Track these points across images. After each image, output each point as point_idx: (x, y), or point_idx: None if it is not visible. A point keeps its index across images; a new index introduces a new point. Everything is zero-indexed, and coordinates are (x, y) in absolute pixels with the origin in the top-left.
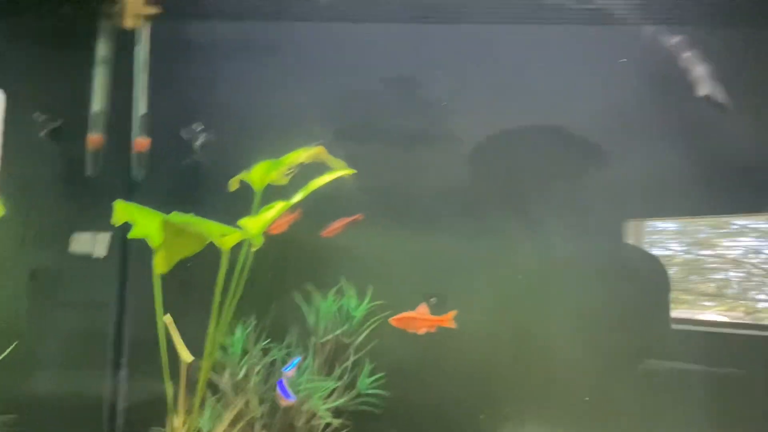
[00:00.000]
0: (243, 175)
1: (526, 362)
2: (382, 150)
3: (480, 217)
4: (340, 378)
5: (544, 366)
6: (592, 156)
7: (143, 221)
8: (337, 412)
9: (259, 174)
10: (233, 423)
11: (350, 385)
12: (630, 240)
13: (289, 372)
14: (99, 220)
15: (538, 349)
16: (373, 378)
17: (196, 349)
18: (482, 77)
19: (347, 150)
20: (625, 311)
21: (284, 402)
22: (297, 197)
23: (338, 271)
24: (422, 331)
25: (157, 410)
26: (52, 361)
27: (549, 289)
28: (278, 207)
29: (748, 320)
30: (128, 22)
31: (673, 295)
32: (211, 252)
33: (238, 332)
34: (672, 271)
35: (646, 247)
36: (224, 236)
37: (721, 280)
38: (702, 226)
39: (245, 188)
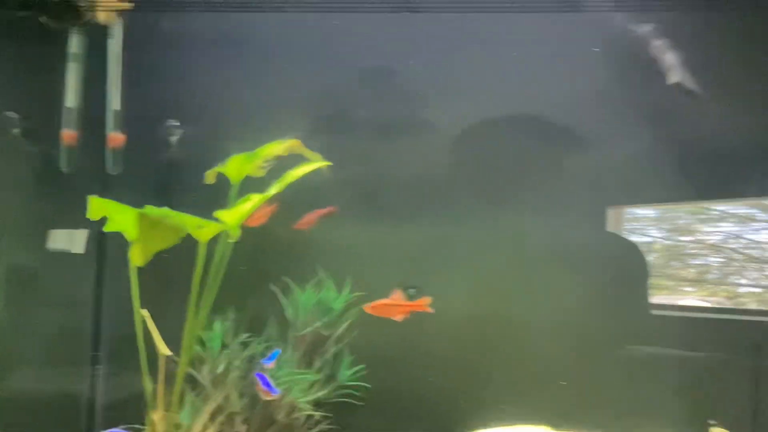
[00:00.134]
0: (219, 168)
1: (506, 350)
2: (357, 141)
3: (456, 206)
4: (320, 370)
5: (523, 353)
6: (569, 144)
7: (118, 216)
8: (317, 405)
9: (235, 167)
10: (213, 417)
11: (330, 378)
12: (608, 226)
13: (269, 364)
14: (75, 216)
15: (518, 337)
16: (353, 370)
17: (176, 343)
18: (457, 67)
19: (323, 142)
20: (604, 297)
21: (268, 396)
22: (273, 190)
23: (316, 264)
24: (399, 317)
25: (136, 406)
26: (30, 358)
27: (527, 277)
28: (255, 199)
29: (728, 305)
30: (101, 17)
31: (652, 280)
32: (190, 246)
33: (217, 326)
34: (652, 257)
35: (625, 234)
36: (201, 228)
37: (701, 265)
38: (682, 212)
39: (222, 183)
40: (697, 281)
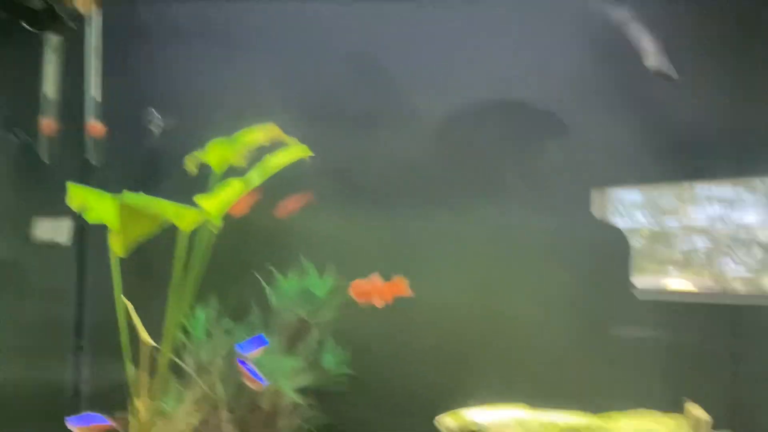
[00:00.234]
0: (199, 155)
1: (490, 335)
2: (339, 130)
3: (439, 193)
4: (304, 357)
5: (507, 337)
6: (552, 129)
7: (97, 204)
8: (302, 392)
9: (215, 154)
10: (197, 404)
11: (315, 364)
12: (592, 211)
13: (246, 351)
14: (56, 206)
15: (501, 321)
16: (337, 356)
17: (160, 332)
18: (437, 55)
19: (303, 130)
20: (586, 282)
21: (255, 385)
22: (255, 178)
23: (299, 251)
24: (379, 304)
25: (120, 394)
26: (14, 348)
27: (509, 263)
28: (235, 186)
29: (714, 287)
30: (80, 6)
31: (636, 264)
32: (169, 234)
33: (201, 314)
34: (637, 241)
35: (608, 218)
36: (181, 216)
37: (687, 248)
38: (667, 195)
39: (202, 168)
40: (683, 264)
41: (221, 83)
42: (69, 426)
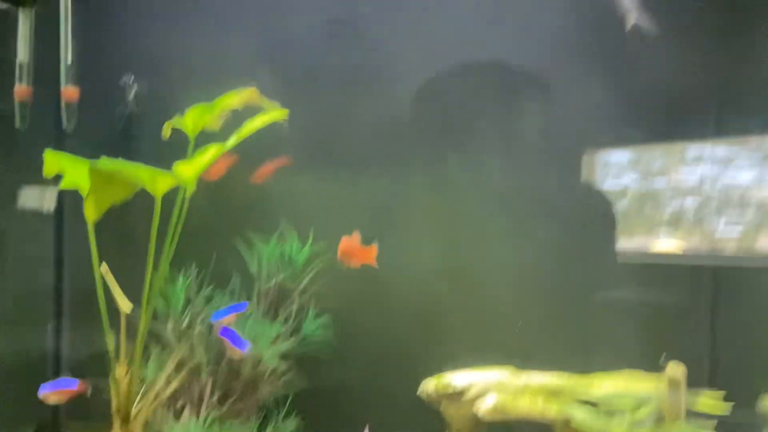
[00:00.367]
0: (176, 121)
1: (471, 297)
2: (316, 91)
3: (419, 155)
4: (285, 323)
5: (488, 300)
6: (534, 90)
7: (73, 170)
8: (283, 357)
9: (192, 119)
10: (177, 371)
11: (296, 330)
12: (577, 172)
13: (223, 319)
14: (30, 173)
15: (482, 284)
16: (318, 322)
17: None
18: (416, 15)
19: (281, 93)
20: (569, 243)
21: (237, 353)
22: (231, 141)
23: (278, 216)
24: (356, 265)
25: (101, 362)
26: None
27: (492, 224)
28: (212, 151)
29: (704, 248)
30: None
31: (623, 226)
32: (151, 200)
33: (180, 281)
34: (626, 202)
35: (594, 179)
36: (155, 181)
37: (676, 209)
38: (657, 155)
39: (180, 137)
40: (672, 225)
41: (198, 47)
42: (40, 394)
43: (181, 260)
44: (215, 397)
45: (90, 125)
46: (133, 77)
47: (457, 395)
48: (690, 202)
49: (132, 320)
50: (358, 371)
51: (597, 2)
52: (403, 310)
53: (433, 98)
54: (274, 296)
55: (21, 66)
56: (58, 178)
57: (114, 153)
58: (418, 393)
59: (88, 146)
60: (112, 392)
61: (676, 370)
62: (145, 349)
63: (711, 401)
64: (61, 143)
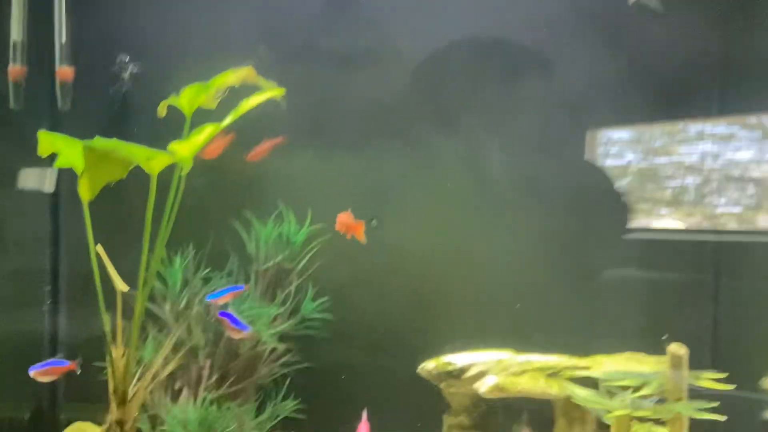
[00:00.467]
0: (172, 100)
1: (470, 279)
2: (314, 71)
3: (418, 134)
4: (283, 303)
5: (487, 281)
6: (534, 67)
7: (68, 150)
8: (281, 338)
9: (187, 98)
10: (175, 352)
11: (294, 311)
12: (579, 150)
13: (218, 299)
14: (24, 153)
15: (481, 266)
16: (316, 302)
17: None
18: None
19: (277, 72)
20: (569, 222)
21: (238, 334)
22: (228, 120)
23: (275, 197)
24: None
25: (99, 343)
26: None
27: (491, 202)
28: (208, 130)
29: (705, 225)
30: None
31: (624, 204)
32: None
33: (177, 262)
34: (628, 180)
35: (597, 157)
36: (151, 160)
37: (678, 186)
38: (658, 133)
39: (176, 117)
40: (673, 203)
41: (195, 25)
42: (30, 373)
43: (178, 240)
44: (213, 379)
45: (85, 105)
46: (128, 57)
47: (458, 374)
48: (691, 180)
49: (129, 301)
50: (357, 352)
51: None
52: (401, 291)
53: (431, 77)
54: (272, 277)
55: (14, 45)
56: (52, 159)
57: (109, 133)
58: (417, 371)
59: (83, 126)
60: (109, 373)
61: (678, 349)
62: (143, 330)
63: (713, 381)
64: (56, 123)
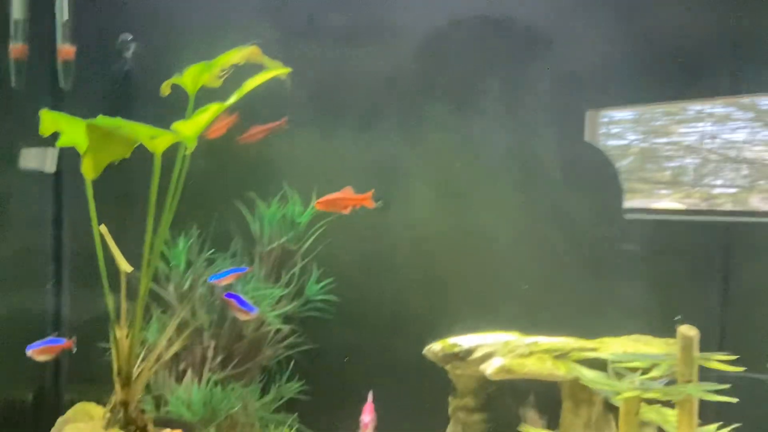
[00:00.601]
0: (175, 79)
1: (475, 259)
2: (319, 48)
3: (423, 113)
4: (287, 285)
5: (493, 262)
6: (537, 45)
7: (70, 129)
8: (286, 319)
9: (191, 77)
10: (179, 333)
11: (299, 292)
12: (580, 129)
13: (220, 280)
14: (26, 132)
15: (487, 245)
16: (321, 284)
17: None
18: None
19: (281, 49)
20: (573, 202)
21: (246, 315)
22: (232, 99)
23: (280, 177)
24: (347, 210)
25: (103, 324)
26: None
27: (497, 182)
28: (213, 109)
29: (703, 206)
30: None
31: (624, 184)
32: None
33: (181, 243)
34: (627, 161)
35: (597, 137)
36: (154, 138)
37: (677, 167)
38: (658, 113)
39: (179, 96)
40: (673, 183)
41: (197, 2)
42: (28, 352)
43: (182, 221)
44: (217, 360)
45: (87, 84)
46: (130, 36)
47: (464, 355)
48: (689, 161)
49: (133, 282)
50: (362, 333)
51: None
52: (407, 272)
53: (438, 54)
54: (277, 258)
55: (16, 23)
56: (55, 138)
57: (111, 112)
58: (423, 352)
59: (85, 105)
60: (113, 354)
61: (688, 331)
62: (147, 310)
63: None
64: (57, 102)
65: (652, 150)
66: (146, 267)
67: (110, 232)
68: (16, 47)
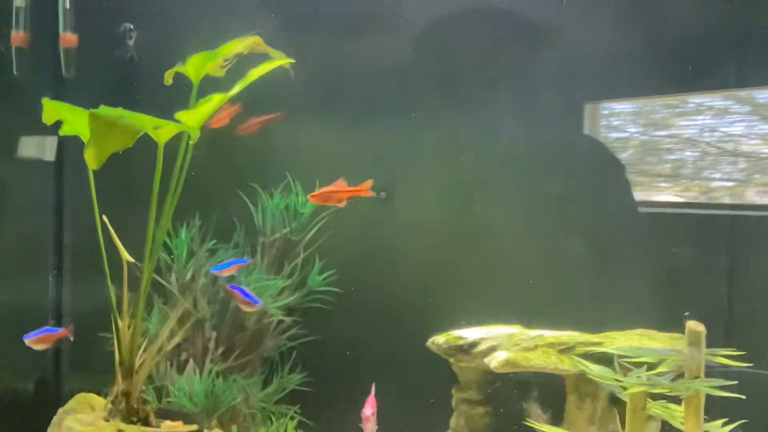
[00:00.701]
0: (178, 68)
1: (479, 252)
2: (323, 39)
3: (426, 104)
4: (290, 276)
5: (496, 255)
6: (540, 38)
7: (72, 118)
8: (288, 310)
9: (194, 66)
10: (181, 323)
11: (301, 283)
12: (582, 122)
13: (222, 271)
14: (28, 120)
15: (491, 237)
16: (323, 275)
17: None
18: None
19: (286, 39)
20: (575, 196)
21: (250, 307)
22: (235, 89)
23: (283, 168)
24: (342, 203)
25: (105, 314)
26: None
27: (499, 176)
28: (216, 99)
29: (702, 200)
30: None
31: (626, 177)
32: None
33: (183, 233)
34: (628, 153)
35: (598, 130)
36: (158, 129)
37: (676, 160)
38: (658, 106)
39: (182, 86)
40: (672, 176)
41: None
42: (26, 342)
43: (184, 211)
44: (219, 351)
45: (89, 72)
46: (132, 26)
47: (469, 348)
48: (689, 154)
49: (134, 272)
50: (365, 325)
51: None
52: (410, 264)
53: (440, 45)
54: (279, 249)
55: (18, 11)
56: (57, 126)
57: (114, 100)
58: (427, 345)
59: (87, 93)
60: (115, 345)
61: (696, 326)
62: (148, 301)
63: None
64: (60, 90)
65: (653, 143)
66: (148, 257)
67: (112, 222)
68: (18, 35)
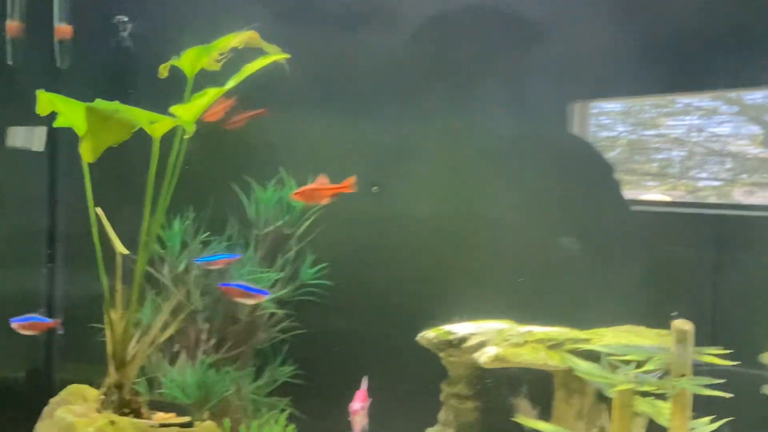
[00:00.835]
0: (173, 62)
1: (470, 247)
2: (318, 33)
3: (420, 100)
4: (282, 269)
5: (488, 250)
6: (534, 36)
7: (67, 110)
8: (280, 303)
9: (189, 60)
10: (174, 315)
11: (293, 277)
12: (572, 122)
13: (208, 263)
14: (22, 111)
15: (482, 235)
16: (315, 268)
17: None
18: None
19: (282, 34)
20: (566, 193)
21: (254, 299)
22: (230, 83)
23: (277, 161)
24: (325, 201)
25: (97, 305)
26: None
27: (491, 173)
28: (211, 93)
29: (689, 199)
30: None
31: (615, 176)
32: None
33: (177, 225)
34: (616, 152)
35: (588, 129)
36: (153, 123)
37: (664, 159)
38: (647, 105)
39: (177, 79)
40: (659, 175)
41: None
42: (12, 326)
43: (177, 203)
44: (212, 342)
45: (84, 63)
46: (126, 18)
47: (458, 343)
48: (676, 153)
49: (128, 264)
50: (357, 319)
51: None
52: (402, 258)
53: (439, 39)
54: (272, 242)
55: (13, 1)
56: (51, 118)
57: (109, 91)
58: (417, 339)
59: (82, 85)
60: (108, 336)
61: (683, 324)
62: (141, 292)
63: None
64: (54, 81)
65: (641, 142)
66: (142, 249)
67: (106, 213)
68: (13, 25)
